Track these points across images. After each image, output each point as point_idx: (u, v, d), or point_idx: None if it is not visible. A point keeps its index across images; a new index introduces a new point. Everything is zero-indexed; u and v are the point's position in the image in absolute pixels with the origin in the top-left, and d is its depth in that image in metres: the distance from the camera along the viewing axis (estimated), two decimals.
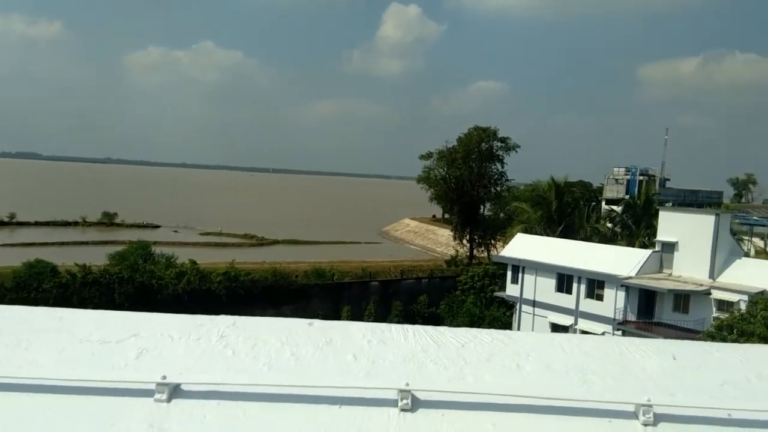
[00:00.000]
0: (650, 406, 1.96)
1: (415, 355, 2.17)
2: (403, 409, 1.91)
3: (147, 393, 1.90)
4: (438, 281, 52.17)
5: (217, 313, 2.45)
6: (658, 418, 1.96)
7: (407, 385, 1.94)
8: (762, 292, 29.24)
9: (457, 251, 60.09)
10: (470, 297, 44.96)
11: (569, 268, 37.05)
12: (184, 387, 1.93)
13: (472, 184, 59.31)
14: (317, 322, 2.34)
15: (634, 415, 1.97)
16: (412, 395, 1.93)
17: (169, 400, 1.89)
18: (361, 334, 2.29)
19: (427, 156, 61.50)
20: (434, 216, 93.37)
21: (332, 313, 41.54)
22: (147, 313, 2.43)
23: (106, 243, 64.60)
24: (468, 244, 60.33)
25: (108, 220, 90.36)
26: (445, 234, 76.58)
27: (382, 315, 42.91)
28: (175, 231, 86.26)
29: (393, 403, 1.93)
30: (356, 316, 42.13)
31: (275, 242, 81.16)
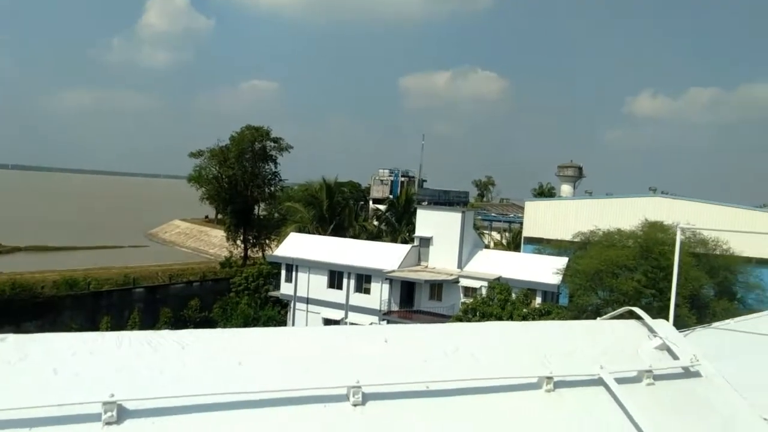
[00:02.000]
0: (359, 387, 2.14)
1: (128, 364, 2.05)
2: (107, 423, 1.79)
3: None
4: (211, 284, 50.51)
5: None
6: (367, 397, 2.15)
7: (112, 396, 1.82)
8: (498, 278, 34.00)
9: (231, 252, 58.88)
10: (244, 298, 44.35)
11: (340, 265, 38.78)
12: None
13: (246, 184, 58.55)
14: (12, 337, 2.06)
15: (345, 397, 2.13)
16: (119, 406, 1.82)
17: None
18: (67, 345, 2.08)
19: (198, 154, 59.11)
20: (207, 217, 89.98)
21: (88, 326, 37.37)
22: None
23: None
24: (242, 245, 59.42)
25: None
26: (218, 235, 74.28)
27: (148, 323, 40.00)
28: None
29: (97, 417, 1.79)
30: (118, 326, 38.50)
31: (16, 249, 70.73)
